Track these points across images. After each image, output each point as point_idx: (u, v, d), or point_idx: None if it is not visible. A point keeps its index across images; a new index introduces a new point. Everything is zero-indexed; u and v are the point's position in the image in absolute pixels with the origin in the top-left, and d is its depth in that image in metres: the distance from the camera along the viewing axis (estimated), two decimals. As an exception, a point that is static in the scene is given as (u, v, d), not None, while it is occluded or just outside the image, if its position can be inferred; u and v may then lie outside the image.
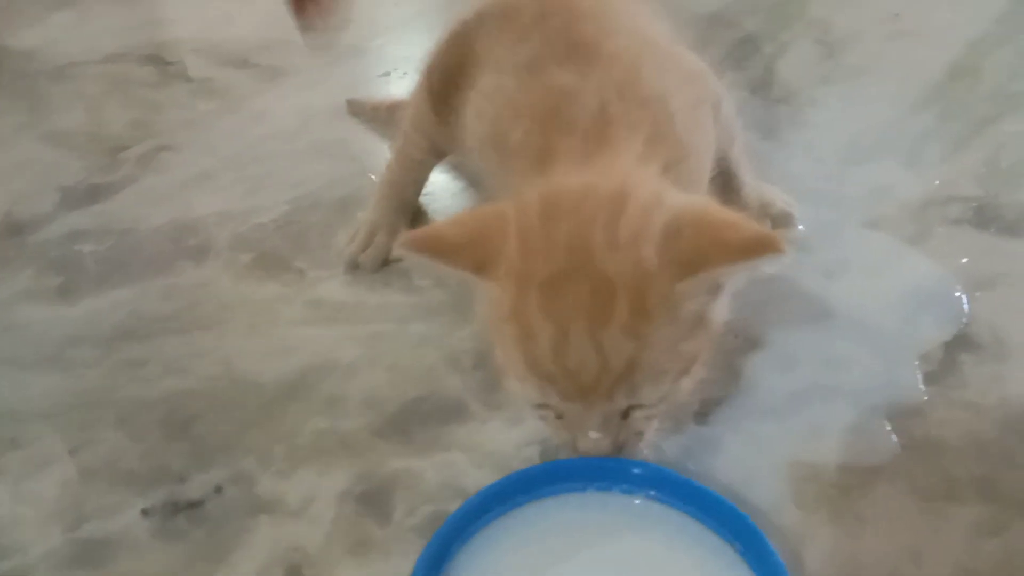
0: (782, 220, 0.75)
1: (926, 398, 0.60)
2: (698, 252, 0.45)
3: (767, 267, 0.45)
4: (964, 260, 0.71)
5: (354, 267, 0.77)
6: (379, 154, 0.92)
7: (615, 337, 0.44)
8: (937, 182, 0.80)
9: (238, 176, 0.91)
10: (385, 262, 0.76)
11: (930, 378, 0.61)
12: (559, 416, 0.49)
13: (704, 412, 0.60)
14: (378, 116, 0.95)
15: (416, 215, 0.80)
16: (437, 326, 0.70)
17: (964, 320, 0.65)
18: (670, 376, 0.47)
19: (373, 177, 0.86)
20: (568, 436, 0.50)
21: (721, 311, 0.49)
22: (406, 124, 0.77)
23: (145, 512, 0.57)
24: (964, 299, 0.67)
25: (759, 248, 0.44)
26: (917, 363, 0.62)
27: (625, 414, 0.49)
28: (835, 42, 1.00)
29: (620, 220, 0.46)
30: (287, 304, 0.73)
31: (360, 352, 0.68)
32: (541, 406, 0.49)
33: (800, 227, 0.74)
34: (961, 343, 0.63)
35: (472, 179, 0.84)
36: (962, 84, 0.94)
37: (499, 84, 0.58)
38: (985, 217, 0.75)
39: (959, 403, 0.59)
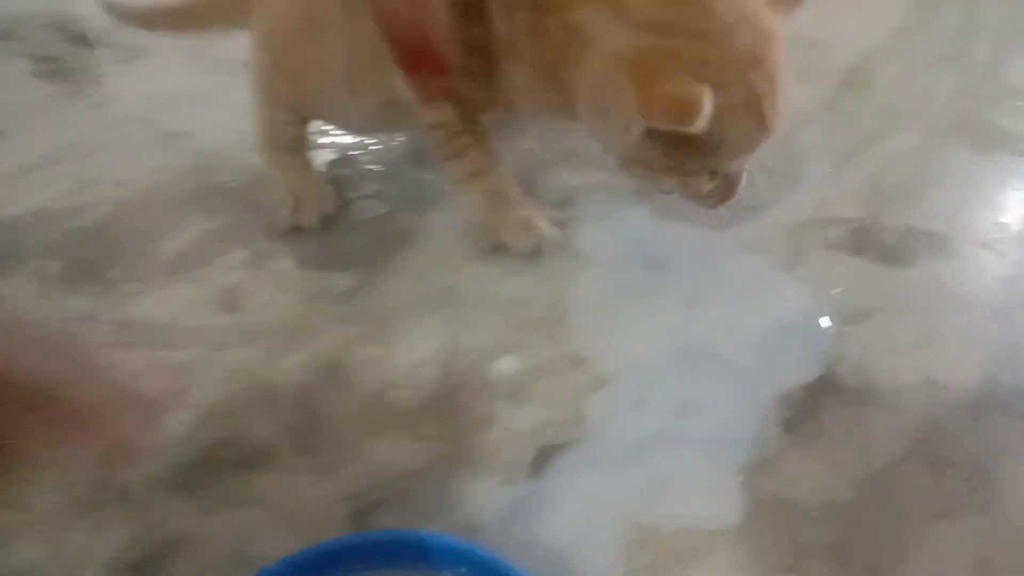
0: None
1: (781, 450, 0.54)
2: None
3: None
4: (836, 290, 0.66)
5: (298, 229, 0.72)
6: (232, 150, 0.84)
7: (785, 82, 0.57)
8: (817, 202, 0.75)
9: (68, 169, 0.82)
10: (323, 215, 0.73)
11: (789, 424, 0.56)
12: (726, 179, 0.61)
13: (541, 461, 0.54)
14: (156, 24, 0.82)
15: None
16: (258, 352, 0.62)
17: (829, 358, 0.60)
18: None
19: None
20: (728, 194, 0.61)
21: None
22: (264, 103, 0.73)
23: None
24: (831, 334, 0.62)
25: None
26: (775, 407, 0.57)
27: None
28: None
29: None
30: (90, 323, 0.65)
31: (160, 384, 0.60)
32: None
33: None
34: (825, 384, 0.58)
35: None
36: (852, 96, 0.90)
37: None
38: (862, 242, 0.71)
39: (816, 456, 0.54)
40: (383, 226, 0.74)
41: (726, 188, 0.62)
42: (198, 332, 0.64)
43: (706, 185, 0.62)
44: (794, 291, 0.66)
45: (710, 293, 0.66)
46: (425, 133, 0.67)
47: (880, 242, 0.71)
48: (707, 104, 0.53)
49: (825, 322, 0.63)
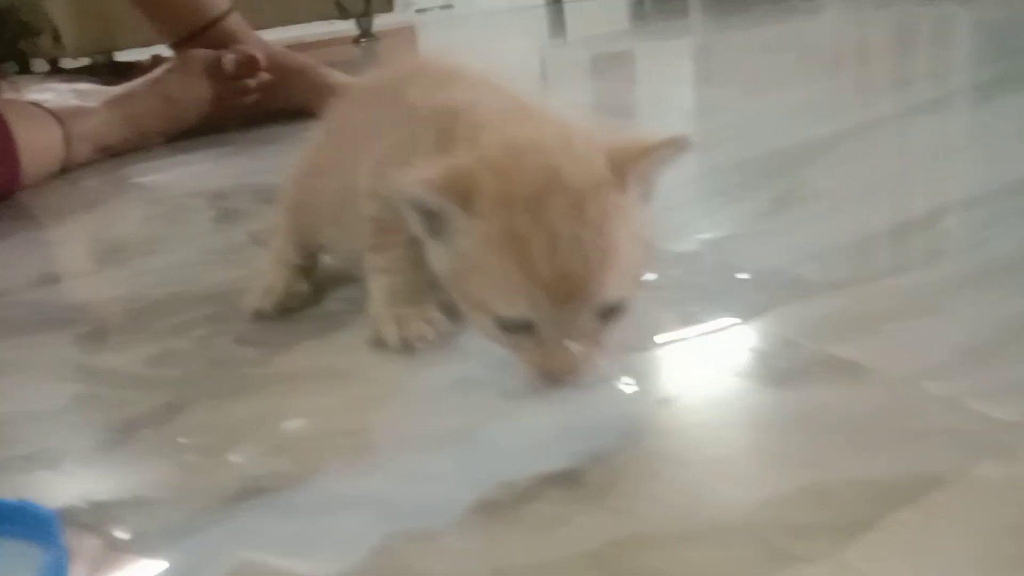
0: None
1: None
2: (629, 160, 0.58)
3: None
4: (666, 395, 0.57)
5: (260, 315, 0.81)
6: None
7: (592, 236, 0.54)
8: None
9: (162, 277, 0.98)
10: (284, 306, 0.81)
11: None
12: (539, 338, 0.57)
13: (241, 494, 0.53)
14: None
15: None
16: (134, 394, 0.69)
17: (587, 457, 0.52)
18: (631, 278, 0.57)
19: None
20: (545, 360, 0.57)
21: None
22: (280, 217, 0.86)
23: None
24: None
25: (669, 145, 0.58)
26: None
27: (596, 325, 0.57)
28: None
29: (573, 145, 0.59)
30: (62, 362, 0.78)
31: None
32: (521, 330, 0.57)
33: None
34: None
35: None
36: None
37: None
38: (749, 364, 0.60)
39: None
40: (322, 321, 0.79)
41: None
42: (116, 375, 0.74)
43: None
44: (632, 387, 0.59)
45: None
46: (364, 224, 0.74)
47: (772, 365, 0.60)
48: None
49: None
